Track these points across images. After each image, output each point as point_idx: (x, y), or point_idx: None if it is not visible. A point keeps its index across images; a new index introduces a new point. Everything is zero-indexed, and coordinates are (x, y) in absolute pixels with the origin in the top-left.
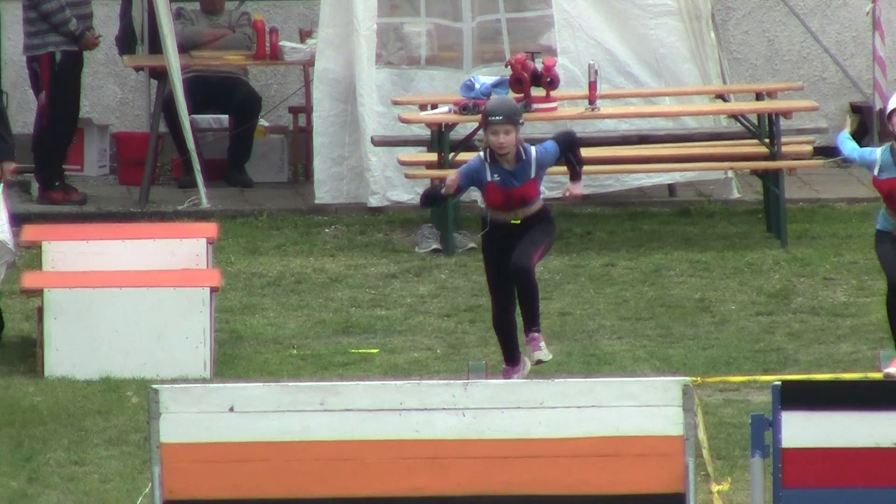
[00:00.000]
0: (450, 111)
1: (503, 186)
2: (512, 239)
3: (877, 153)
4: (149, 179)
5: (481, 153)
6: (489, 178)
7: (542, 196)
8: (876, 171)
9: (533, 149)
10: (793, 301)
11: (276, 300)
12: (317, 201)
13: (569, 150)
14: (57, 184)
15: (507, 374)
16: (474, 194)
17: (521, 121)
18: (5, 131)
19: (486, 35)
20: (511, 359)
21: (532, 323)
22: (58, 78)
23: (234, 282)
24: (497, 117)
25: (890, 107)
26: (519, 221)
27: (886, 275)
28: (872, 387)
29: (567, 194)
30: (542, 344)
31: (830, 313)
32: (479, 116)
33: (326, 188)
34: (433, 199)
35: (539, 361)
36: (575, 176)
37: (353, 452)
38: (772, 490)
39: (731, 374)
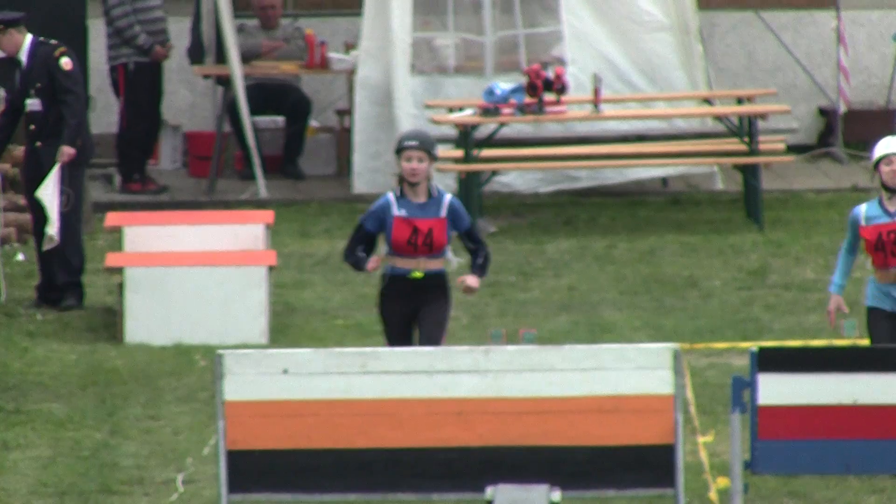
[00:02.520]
0: (474, 113)
1: (410, 218)
2: (412, 304)
3: (859, 210)
4: (215, 172)
5: (390, 192)
6: (395, 213)
7: (448, 259)
8: (863, 221)
9: (449, 195)
10: (768, 278)
11: (324, 277)
12: (354, 191)
13: (476, 243)
14: (136, 176)
15: None
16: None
17: (435, 154)
18: (71, 118)
19: (505, 47)
20: None
21: None
22: (132, 86)
23: (287, 261)
24: (411, 142)
25: (876, 155)
26: (422, 276)
27: None
28: (836, 352)
29: (460, 284)
30: None
31: (801, 288)
32: (498, 117)
33: (364, 179)
34: (357, 267)
35: None
36: (475, 269)
37: (389, 409)
38: (749, 441)
39: (715, 341)
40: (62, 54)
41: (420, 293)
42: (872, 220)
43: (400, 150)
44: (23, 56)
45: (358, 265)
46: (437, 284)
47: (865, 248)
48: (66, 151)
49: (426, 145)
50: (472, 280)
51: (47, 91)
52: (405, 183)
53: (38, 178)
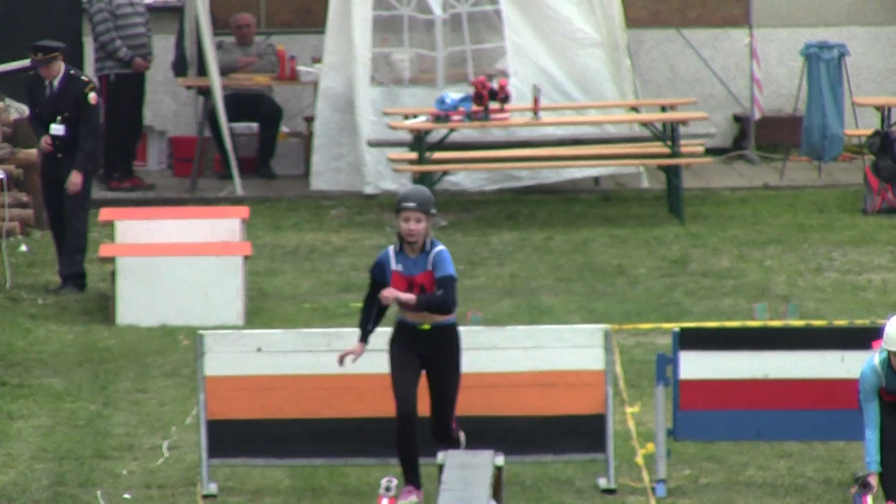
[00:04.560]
0: (427, 120)
1: (405, 274)
2: (421, 352)
3: (876, 369)
4: (196, 173)
5: (391, 246)
6: (393, 267)
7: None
8: (884, 384)
9: (439, 247)
10: (689, 266)
11: (294, 266)
12: (312, 188)
13: (442, 289)
14: (116, 175)
15: (406, 496)
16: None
17: (432, 212)
18: (86, 145)
19: (454, 61)
20: (414, 482)
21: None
22: (113, 95)
23: (261, 251)
24: (409, 203)
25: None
26: (429, 328)
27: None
28: (749, 332)
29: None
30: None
31: (718, 276)
32: (448, 123)
33: (323, 178)
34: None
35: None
36: (422, 294)
37: (352, 383)
38: (672, 412)
39: (641, 323)
40: (91, 90)
41: (430, 344)
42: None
43: (398, 210)
44: (56, 83)
45: (362, 327)
46: (446, 336)
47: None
48: (75, 181)
49: (424, 206)
50: (392, 293)
51: (73, 120)
52: (404, 240)
53: (57, 180)
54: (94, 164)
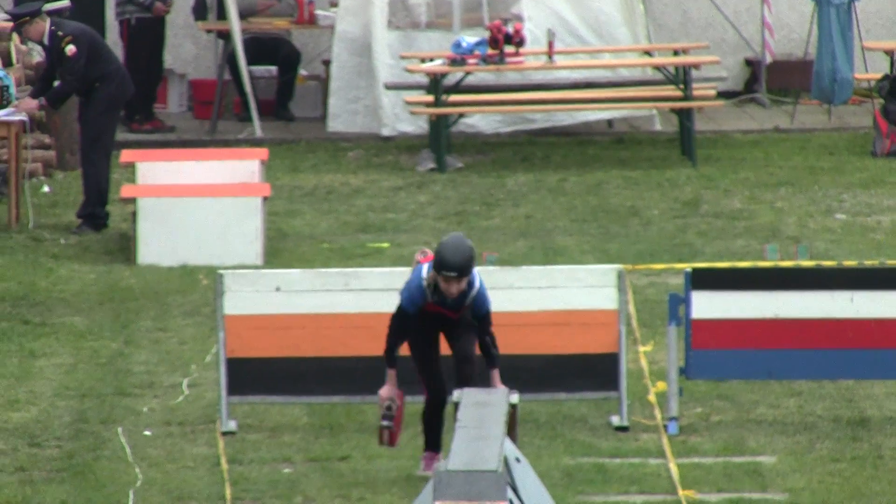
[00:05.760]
0: (443, 64)
1: (440, 309)
2: (440, 327)
3: None
4: (216, 115)
5: (423, 282)
6: (429, 299)
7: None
8: None
9: (475, 289)
10: (700, 208)
11: (312, 206)
12: (329, 130)
13: (483, 327)
14: (137, 117)
15: (427, 461)
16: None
17: (474, 270)
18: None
19: (470, 6)
20: (436, 448)
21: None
22: (133, 39)
23: (279, 192)
24: (451, 274)
25: None
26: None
27: None
28: (759, 273)
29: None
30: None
31: (729, 217)
32: (464, 67)
33: (340, 120)
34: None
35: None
36: (490, 360)
37: (368, 322)
38: (684, 351)
39: (654, 263)
40: (67, 43)
41: (453, 322)
42: None
43: (439, 272)
44: (46, 41)
45: (388, 358)
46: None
47: None
48: (29, 104)
49: (466, 272)
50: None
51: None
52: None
53: (84, 119)
54: (59, 103)
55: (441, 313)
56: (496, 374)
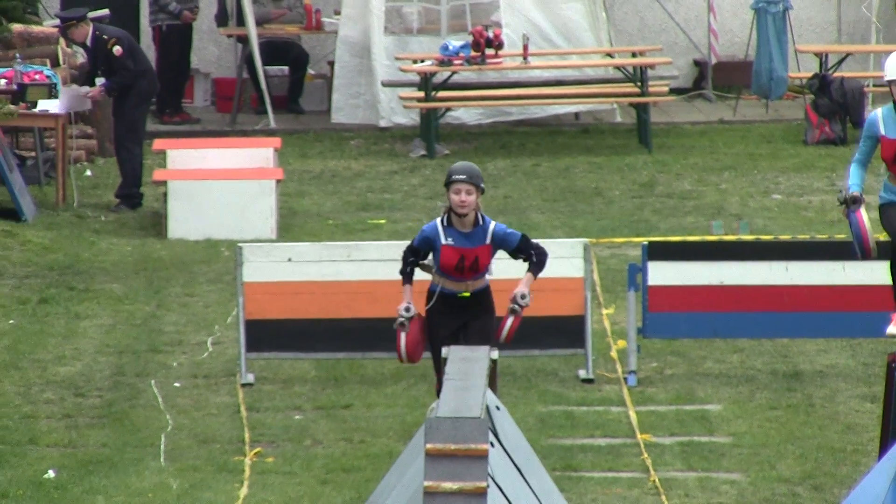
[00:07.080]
0: (432, 64)
1: (457, 247)
2: (460, 319)
3: (876, 114)
4: (236, 109)
5: (438, 219)
6: (443, 242)
7: (488, 276)
8: (882, 130)
9: (493, 223)
10: (655, 189)
11: (319, 188)
12: (333, 122)
13: (528, 252)
14: (168, 111)
15: None
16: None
17: (482, 186)
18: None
19: (456, 14)
20: None
21: None
22: (164, 43)
23: (291, 176)
24: (460, 176)
25: (888, 76)
26: (468, 295)
27: (892, 239)
28: (706, 245)
29: (512, 303)
30: None
31: (680, 197)
32: (450, 67)
33: (343, 113)
34: (404, 277)
35: None
36: (532, 266)
37: (368, 288)
38: (641, 313)
39: (615, 237)
40: (114, 45)
41: (467, 310)
42: (889, 129)
43: (449, 183)
44: (88, 43)
45: (404, 277)
46: (482, 300)
47: (882, 157)
48: (96, 91)
49: (474, 178)
50: (522, 286)
51: (107, 72)
52: (453, 213)
53: (118, 113)
54: (116, 92)
55: (461, 255)
56: (528, 277)
